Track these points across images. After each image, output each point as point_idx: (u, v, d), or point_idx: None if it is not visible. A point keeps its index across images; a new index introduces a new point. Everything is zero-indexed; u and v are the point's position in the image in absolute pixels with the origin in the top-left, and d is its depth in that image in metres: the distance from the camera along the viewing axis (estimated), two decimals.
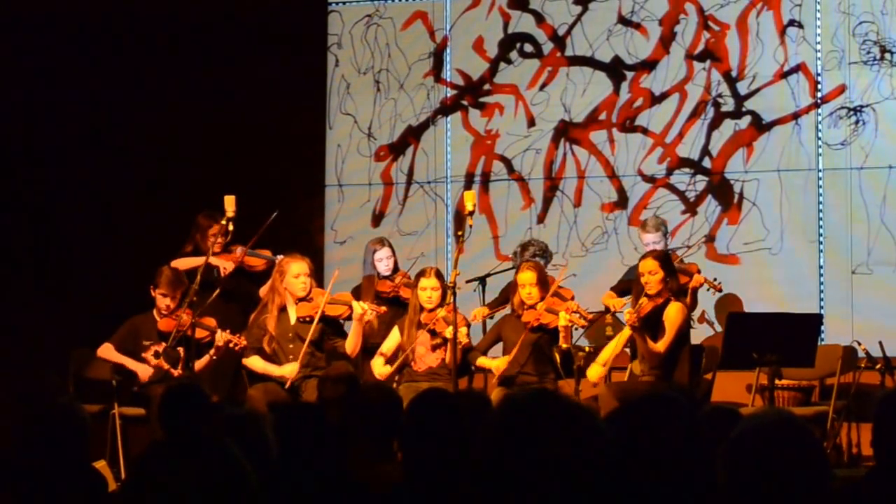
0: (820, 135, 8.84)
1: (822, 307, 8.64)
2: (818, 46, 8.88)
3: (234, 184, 8.17)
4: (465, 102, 9.54)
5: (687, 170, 9.08)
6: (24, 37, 9.78)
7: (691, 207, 9.04)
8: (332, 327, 7.73)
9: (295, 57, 9.69)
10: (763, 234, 8.86)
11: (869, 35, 8.77)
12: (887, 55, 8.75)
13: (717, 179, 9.02)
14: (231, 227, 7.69)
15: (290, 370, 7.46)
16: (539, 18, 9.43)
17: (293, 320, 7.59)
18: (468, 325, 7.58)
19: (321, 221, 9.67)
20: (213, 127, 9.55)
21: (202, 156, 9.53)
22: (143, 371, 7.56)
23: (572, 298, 7.63)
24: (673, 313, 7.24)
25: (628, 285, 7.89)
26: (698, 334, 8.14)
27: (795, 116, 8.90)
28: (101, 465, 5.60)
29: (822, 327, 8.13)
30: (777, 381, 7.57)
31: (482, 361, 7.63)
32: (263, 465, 2.96)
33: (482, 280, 8.32)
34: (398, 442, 3.96)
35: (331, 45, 9.77)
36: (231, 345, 7.43)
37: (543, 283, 7.56)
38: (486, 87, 9.50)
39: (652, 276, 7.24)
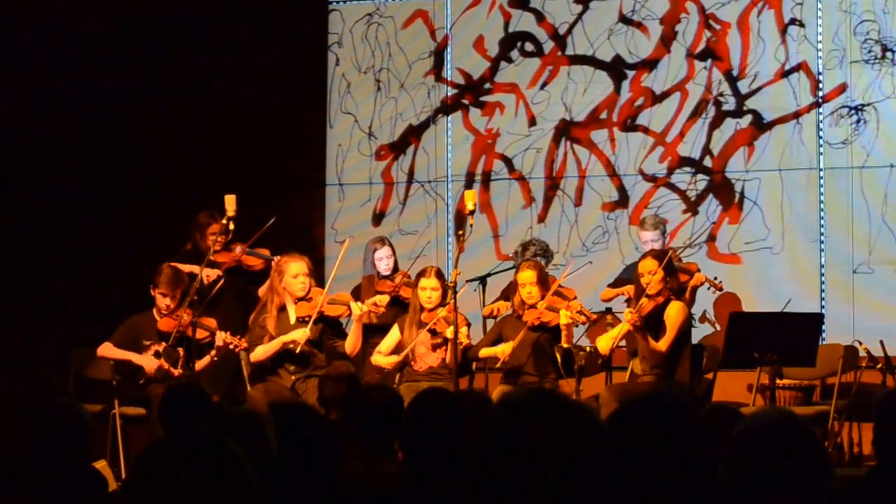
0: (821, 134, 8.84)
1: (823, 306, 8.64)
2: (819, 45, 8.88)
3: (235, 183, 8.17)
4: (465, 101, 9.54)
5: (688, 169, 9.08)
6: (23, 34, 9.77)
7: (692, 207, 9.04)
8: (332, 328, 7.72)
9: (295, 56, 9.70)
10: (764, 234, 8.86)
11: (870, 34, 8.77)
12: (888, 54, 8.74)
13: (718, 178, 9.01)
14: (232, 227, 7.68)
15: (300, 334, 7.42)
16: (540, 17, 9.42)
17: (293, 320, 7.58)
18: (469, 325, 7.57)
19: (321, 220, 9.66)
20: (213, 126, 9.55)
21: (202, 155, 9.53)
22: (149, 363, 7.51)
23: (575, 298, 7.62)
24: (674, 313, 7.23)
25: (626, 283, 7.90)
26: (697, 333, 8.14)
27: (796, 115, 8.89)
28: (101, 464, 5.59)
29: (823, 327, 8.13)
30: (778, 381, 7.57)
31: (485, 352, 7.62)
32: (264, 464, 2.96)
33: (482, 279, 8.32)
34: (399, 441, 3.96)
35: (331, 43, 9.77)
36: (231, 346, 7.41)
37: (544, 282, 7.55)
38: (487, 85, 9.50)
39: (652, 275, 7.24)
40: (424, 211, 9.51)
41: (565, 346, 7.27)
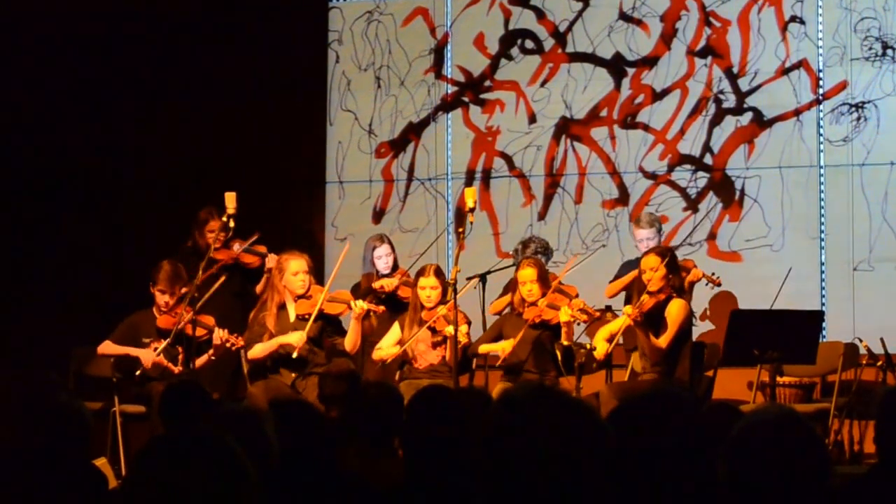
0: (821, 131, 8.83)
1: (823, 304, 8.63)
2: (820, 42, 8.87)
3: (235, 180, 8.17)
4: (465, 99, 9.54)
5: (688, 166, 9.07)
6: (24, 33, 9.77)
7: (692, 204, 9.04)
8: (332, 325, 7.72)
9: (295, 53, 9.69)
10: (764, 231, 8.86)
11: (871, 31, 8.76)
12: (889, 51, 8.73)
13: (719, 176, 9.01)
14: (232, 224, 7.68)
15: (297, 338, 7.42)
16: (540, 14, 9.42)
17: (292, 318, 7.58)
18: (469, 323, 7.57)
19: (322, 218, 9.66)
20: (213, 123, 9.54)
21: (203, 152, 9.52)
22: (147, 357, 7.51)
23: (576, 296, 7.61)
24: (675, 310, 7.23)
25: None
26: (695, 330, 8.13)
27: (797, 113, 8.89)
28: (101, 462, 5.59)
29: (824, 324, 8.13)
30: (778, 378, 7.57)
31: (485, 348, 7.62)
32: (264, 462, 2.96)
33: (483, 277, 8.31)
34: (399, 439, 3.96)
35: (331, 41, 9.77)
36: (228, 344, 7.41)
37: (544, 279, 7.55)
38: (487, 83, 9.49)
39: (654, 272, 7.22)
40: (425, 209, 9.50)
41: (565, 343, 7.27)
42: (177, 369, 7.45)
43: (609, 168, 9.20)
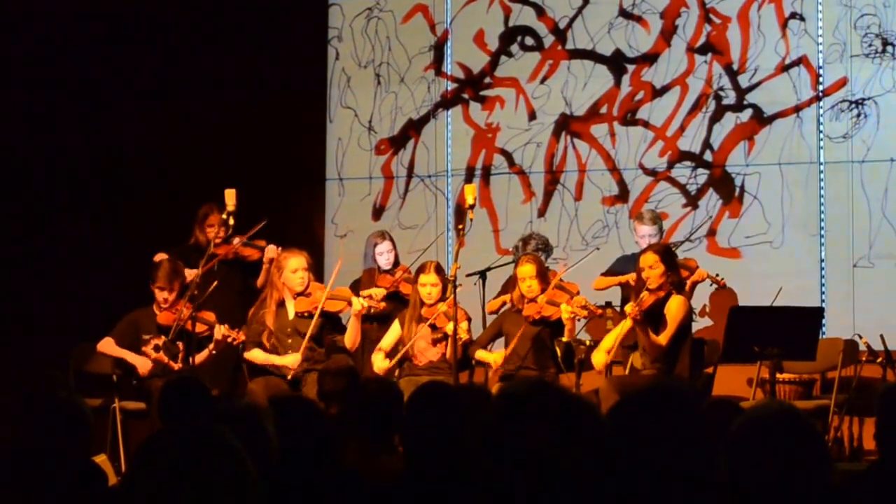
0: (821, 128, 8.83)
1: (823, 301, 8.63)
2: (820, 39, 8.87)
3: (235, 177, 8.17)
4: (465, 96, 9.53)
5: (688, 163, 9.07)
6: (25, 32, 9.77)
7: (692, 201, 9.03)
8: (331, 322, 7.72)
9: (295, 50, 9.69)
10: (764, 228, 8.85)
11: (871, 28, 8.76)
12: (889, 48, 8.73)
13: (719, 173, 9.01)
14: (231, 221, 7.68)
15: (292, 360, 7.44)
16: (540, 11, 9.42)
17: (291, 315, 7.58)
18: (469, 320, 7.57)
19: (321, 215, 9.66)
20: (213, 121, 9.54)
21: (202, 149, 9.52)
22: (143, 365, 7.55)
23: (578, 293, 7.61)
24: (674, 307, 7.23)
25: (618, 275, 7.92)
26: (694, 326, 8.13)
27: (797, 109, 8.88)
28: (101, 459, 5.60)
29: (824, 321, 8.12)
30: (778, 375, 7.56)
31: (480, 355, 7.63)
32: (264, 458, 2.96)
33: (482, 274, 8.31)
34: (399, 435, 3.95)
35: (331, 38, 9.76)
36: (229, 339, 7.42)
37: (543, 275, 7.55)
38: (487, 80, 9.49)
39: (652, 270, 7.23)
40: (424, 206, 9.50)
41: (565, 340, 7.27)
42: (177, 366, 7.46)
43: (609, 165, 9.20)
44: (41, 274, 9.63)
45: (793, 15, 8.92)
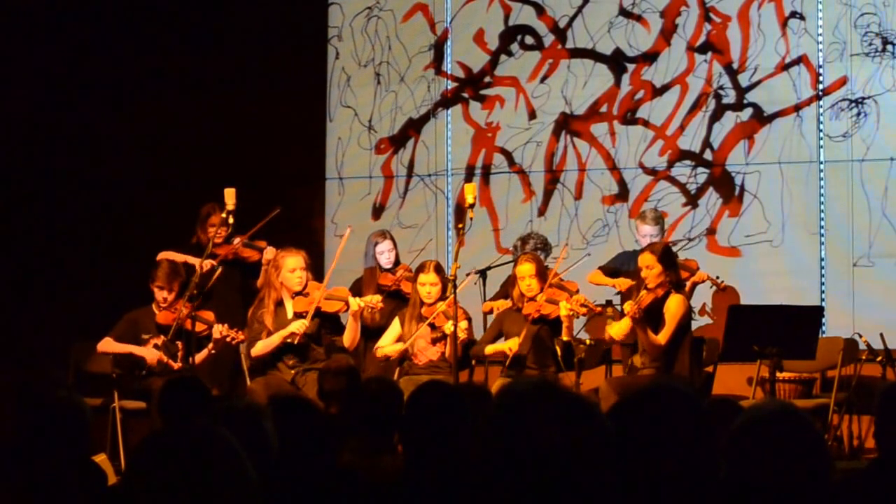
0: (821, 127, 8.83)
1: (823, 299, 8.63)
2: (820, 38, 8.87)
3: (235, 176, 8.16)
4: (465, 95, 9.53)
5: (688, 162, 9.07)
6: (25, 30, 9.76)
7: (692, 200, 9.03)
8: (330, 323, 7.70)
9: (295, 50, 9.69)
10: (764, 227, 8.85)
11: (870, 27, 8.76)
12: (889, 47, 8.73)
13: (719, 172, 9.00)
14: (231, 220, 7.67)
15: (298, 325, 7.41)
16: (540, 10, 9.41)
17: (290, 315, 7.56)
18: (469, 319, 7.57)
19: (321, 214, 9.66)
20: (213, 120, 9.54)
21: (202, 149, 9.52)
22: (151, 355, 7.53)
23: (577, 291, 7.61)
24: (673, 306, 7.23)
25: (616, 273, 7.91)
26: (694, 325, 8.12)
27: (797, 108, 8.88)
28: (101, 458, 5.59)
29: (824, 320, 8.12)
30: (778, 374, 7.56)
31: (491, 348, 7.62)
32: (264, 458, 2.96)
33: (482, 273, 8.31)
34: (399, 434, 3.95)
35: (331, 37, 9.76)
36: (228, 338, 7.41)
37: (542, 274, 7.55)
38: (487, 79, 9.49)
39: (650, 270, 7.24)
40: (424, 204, 9.50)
41: (565, 338, 7.27)
42: (176, 365, 7.46)
43: (609, 164, 9.20)
44: (41, 273, 9.63)
45: (793, 14, 8.92)
